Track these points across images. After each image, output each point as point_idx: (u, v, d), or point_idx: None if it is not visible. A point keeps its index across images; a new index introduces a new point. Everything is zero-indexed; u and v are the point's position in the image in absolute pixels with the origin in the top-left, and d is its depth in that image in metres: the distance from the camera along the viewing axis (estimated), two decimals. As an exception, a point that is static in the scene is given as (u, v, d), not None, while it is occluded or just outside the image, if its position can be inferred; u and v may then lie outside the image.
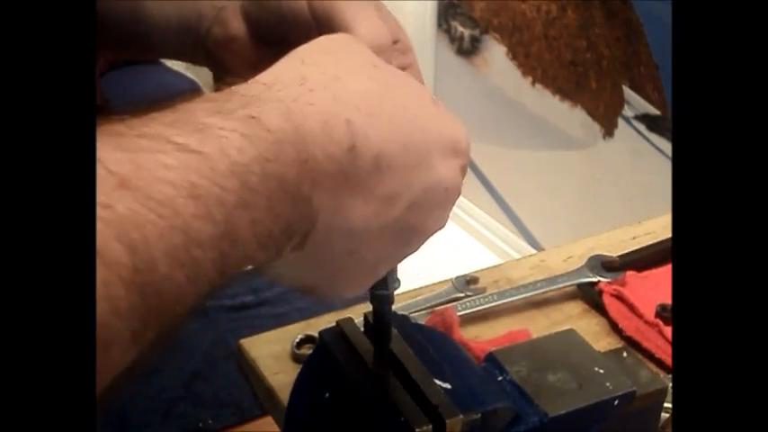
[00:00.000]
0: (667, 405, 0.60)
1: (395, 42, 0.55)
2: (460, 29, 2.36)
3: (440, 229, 0.46)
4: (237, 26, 0.58)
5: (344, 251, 0.42)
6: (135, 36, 0.63)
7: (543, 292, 0.78)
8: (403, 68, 0.55)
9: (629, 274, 0.80)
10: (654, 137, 1.88)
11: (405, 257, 0.46)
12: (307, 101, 0.39)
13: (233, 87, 0.39)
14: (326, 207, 0.39)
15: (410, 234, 0.44)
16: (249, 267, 0.38)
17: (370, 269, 0.45)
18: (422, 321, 0.72)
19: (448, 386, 0.51)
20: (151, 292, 0.32)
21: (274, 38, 0.56)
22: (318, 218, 0.39)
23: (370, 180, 0.40)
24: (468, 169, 0.47)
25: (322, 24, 0.52)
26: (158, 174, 0.33)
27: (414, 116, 0.43)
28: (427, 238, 0.46)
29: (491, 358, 0.57)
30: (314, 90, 0.40)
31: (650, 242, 0.85)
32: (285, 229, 0.38)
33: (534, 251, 1.80)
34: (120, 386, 0.33)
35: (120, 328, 0.31)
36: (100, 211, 0.31)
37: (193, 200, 0.33)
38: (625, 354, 0.60)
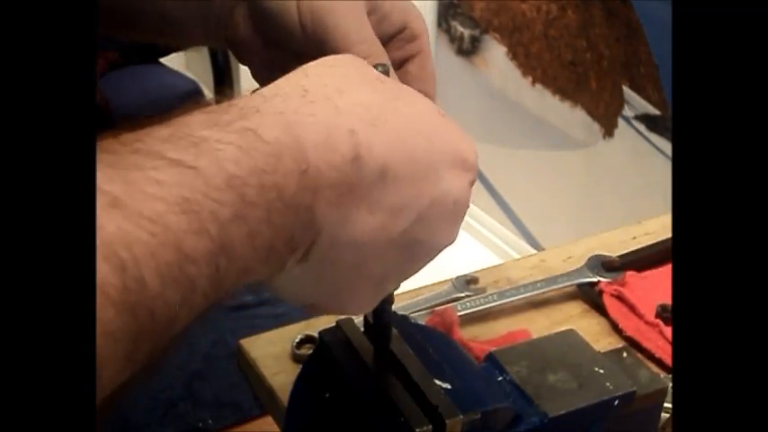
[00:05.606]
0: (667, 405, 0.60)
1: (401, 31, 0.54)
2: (460, 29, 2.36)
3: (448, 244, 0.45)
4: (245, 29, 0.57)
5: (350, 264, 0.41)
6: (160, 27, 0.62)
7: (543, 292, 0.78)
8: (412, 56, 0.55)
9: (629, 274, 0.80)
10: (654, 137, 1.88)
11: (412, 274, 0.45)
12: (308, 112, 0.39)
13: (232, 100, 0.39)
14: (331, 218, 0.39)
15: (418, 248, 0.44)
16: (251, 280, 0.38)
17: (376, 284, 0.44)
18: (422, 321, 0.72)
19: (448, 386, 0.51)
20: (143, 312, 0.32)
21: (278, 42, 0.55)
22: (322, 229, 0.39)
23: (375, 191, 0.40)
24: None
25: (307, 29, 0.52)
26: (150, 190, 0.33)
27: (419, 128, 0.42)
28: (435, 254, 0.45)
29: (491, 358, 0.57)
30: (315, 102, 0.39)
31: (650, 242, 0.85)
32: (287, 241, 0.38)
33: (534, 251, 1.80)
34: (115, 402, 0.33)
35: (112, 348, 0.31)
36: None
37: (186, 215, 0.33)
38: (625, 354, 0.60)
